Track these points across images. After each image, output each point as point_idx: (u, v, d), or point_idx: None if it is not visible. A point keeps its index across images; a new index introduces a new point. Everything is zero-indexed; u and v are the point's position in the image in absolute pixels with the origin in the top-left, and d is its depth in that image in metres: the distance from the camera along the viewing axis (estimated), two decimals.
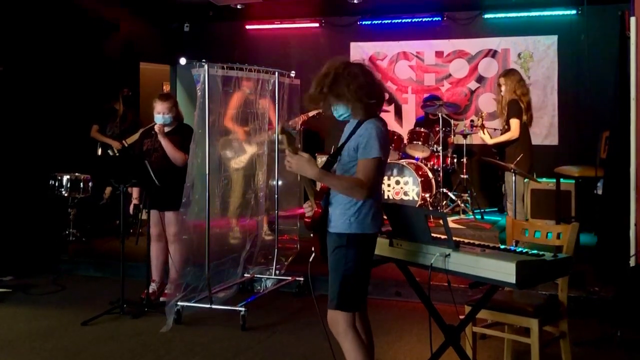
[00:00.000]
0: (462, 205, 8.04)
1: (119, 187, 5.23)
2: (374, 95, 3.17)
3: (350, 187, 3.10)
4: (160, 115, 5.37)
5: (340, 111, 3.21)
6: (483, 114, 7.24)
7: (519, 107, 6.14)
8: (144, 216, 5.57)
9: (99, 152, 7.79)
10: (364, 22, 9.52)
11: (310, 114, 6.83)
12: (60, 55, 7.53)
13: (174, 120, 5.45)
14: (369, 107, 3.16)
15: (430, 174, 7.81)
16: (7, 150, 6.77)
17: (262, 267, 5.91)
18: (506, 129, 6.25)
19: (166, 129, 5.38)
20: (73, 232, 7.35)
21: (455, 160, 8.30)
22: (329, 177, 3.16)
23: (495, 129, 7.34)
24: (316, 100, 3.20)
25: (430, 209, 7.60)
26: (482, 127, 6.71)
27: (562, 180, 6.55)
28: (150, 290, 5.48)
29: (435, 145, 7.96)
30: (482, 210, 8.06)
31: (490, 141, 6.52)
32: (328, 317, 3.19)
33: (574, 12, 8.49)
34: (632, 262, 4.93)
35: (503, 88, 6.32)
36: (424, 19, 9.28)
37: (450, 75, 9.24)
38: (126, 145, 7.14)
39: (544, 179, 6.84)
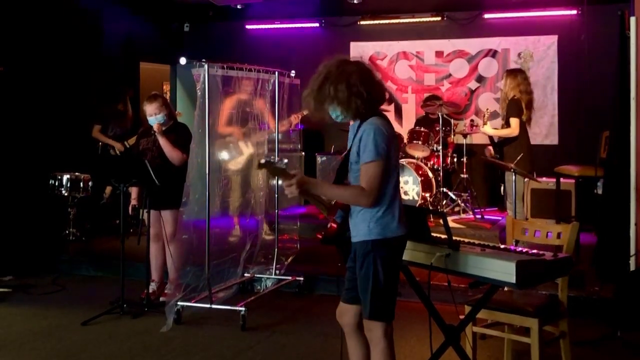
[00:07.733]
0: (462, 204, 8.04)
1: (119, 187, 5.23)
2: (370, 94, 3.00)
3: (353, 197, 3.01)
4: (153, 116, 5.35)
5: (335, 112, 3.09)
6: (488, 110, 7.14)
7: (519, 107, 6.12)
8: (145, 216, 5.56)
9: (99, 152, 7.77)
10: (364, 22, 9.52)
11: (305, 112, 6.84)
12: (61, 55, 7.52)
13: (168, 119, 5.43)
14: (365, 106, 3.01)
15: (430, 174, 7.80)
16: (7, 150, 6.77)
17: (262, 266, 5.90)
18: (505, 127, 6.22)
19: (162, 128, 5.37)
20: (73, 232, 7.36)
21: (455, 159, 8.30)
22: (332, 190, 3.10)
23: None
24: (307, 102, 3.09)
25: (430, 208, 7.59)
26: (484, 123, 6.66)
27: (562, 179, 6.54)
28: (150, 290, 5.47)
29: (435, 145, 7.96)
30: (482, 210, 8.06)
31: (490, 131, 6.41)
32: (364, 324, 3.09)
33: (574, 12, 8.48)
34: (632, 262, 4.93)
35: (506, 86, 6.25)
36: (424, 19, 9.28)
37: (450, 75, 9.24)
38: (128, 146, 7.15)
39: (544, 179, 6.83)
